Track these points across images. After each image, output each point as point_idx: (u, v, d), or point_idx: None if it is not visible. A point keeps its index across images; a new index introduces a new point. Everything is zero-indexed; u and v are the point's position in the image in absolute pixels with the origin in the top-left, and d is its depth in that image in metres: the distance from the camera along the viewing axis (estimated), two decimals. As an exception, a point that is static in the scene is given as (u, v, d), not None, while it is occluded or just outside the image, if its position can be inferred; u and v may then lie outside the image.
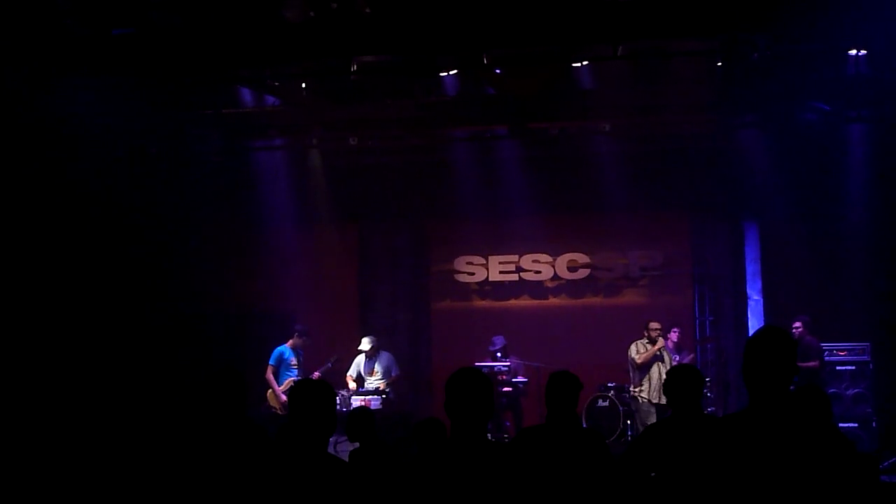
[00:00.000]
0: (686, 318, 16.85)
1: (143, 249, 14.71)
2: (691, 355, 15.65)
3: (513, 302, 18.07)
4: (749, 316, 16.63)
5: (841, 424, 13.39)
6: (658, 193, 16.59)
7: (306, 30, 11.91)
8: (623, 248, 17.57)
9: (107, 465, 10.78)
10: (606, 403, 15.14)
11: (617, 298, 17.73)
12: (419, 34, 11.76)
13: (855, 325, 14.61)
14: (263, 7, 11.81)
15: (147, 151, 15.29)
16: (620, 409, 14.99)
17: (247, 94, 14.90)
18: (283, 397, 14.16)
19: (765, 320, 16.15)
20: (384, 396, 14.53)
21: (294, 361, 14.62)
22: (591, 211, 17.17)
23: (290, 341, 14.72)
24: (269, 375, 14.46)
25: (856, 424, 14.22)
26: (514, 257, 17.96)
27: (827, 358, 14.46)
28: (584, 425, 14.43)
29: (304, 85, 14.42)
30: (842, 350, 14.66)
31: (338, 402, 13.81)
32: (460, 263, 18.07)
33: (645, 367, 14.21)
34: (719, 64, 13.69)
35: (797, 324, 14.28)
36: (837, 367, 14.59)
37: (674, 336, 15.24)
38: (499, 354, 15.71)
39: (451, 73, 13.76)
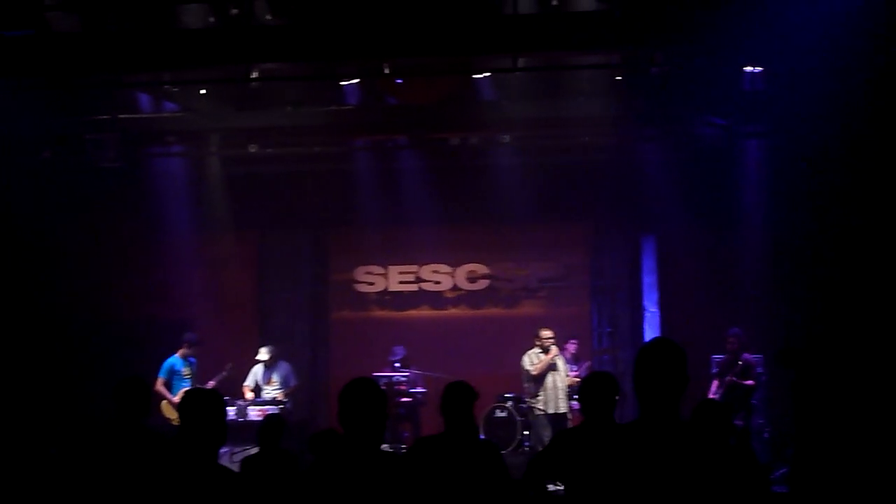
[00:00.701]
0: (584, 330, 16.92)
1: (35, 256, 14.44)
2: (588, 363, 15.74)
3: (412, 312, 18.04)
4: (645, 328, 16.80)
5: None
6: (558, 205, 16.76)
7: (206, 36, 11.82)
8: (522, 260, 17.67)
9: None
10: (504, 414, 15.16)
11: (516, 309, 17.81)
12: (320, 43, 11.71)
13: (749, 338, 14.84)
14: (163, 12, 11.69)
15: (41, 156, 15.03)
16: (518, 419, 15.01)
17: (145, 100, 14.72)
18: (179, 408, 13.96)
19: (661, 332, 16.30)
20: (282, 406, 14.40)
21: (186, 371, 14.40)
22: (491, 222, 17.20)
23: (181, 351, 14.50)
24: (160, 387, 14.11)
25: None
26: (414, 267, 17.96)
27: (721, 370, 14.62)
28: (482, 436, 14.43)
29: (203, 91, 14.27)
30: (736, 362, 14.82)
31: (234, 412, 13.90)
32: (360, 273, 18.00)
33: (540, 378, 14.28)
34: (618, 78, 13.88)
35: (730, 338, 14.04)
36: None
37: (571, 347, 15.31)
38: (398, 365, 15.67)
39: (353, 82, 13.76)
